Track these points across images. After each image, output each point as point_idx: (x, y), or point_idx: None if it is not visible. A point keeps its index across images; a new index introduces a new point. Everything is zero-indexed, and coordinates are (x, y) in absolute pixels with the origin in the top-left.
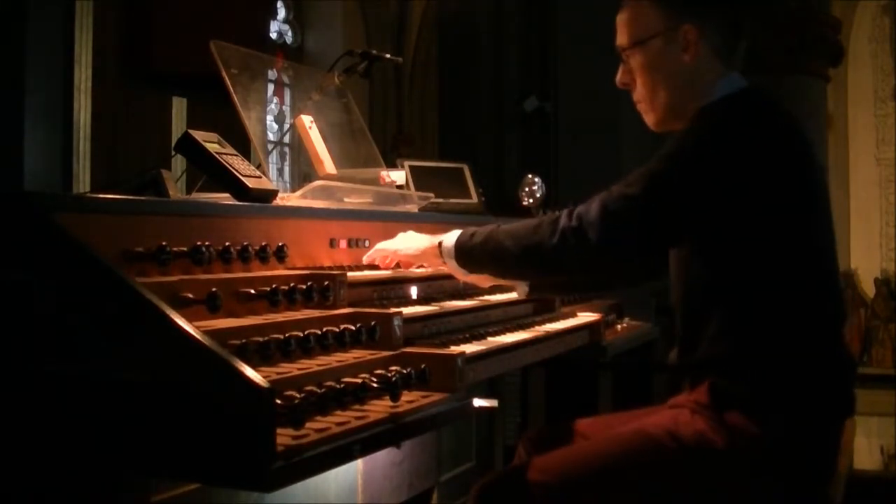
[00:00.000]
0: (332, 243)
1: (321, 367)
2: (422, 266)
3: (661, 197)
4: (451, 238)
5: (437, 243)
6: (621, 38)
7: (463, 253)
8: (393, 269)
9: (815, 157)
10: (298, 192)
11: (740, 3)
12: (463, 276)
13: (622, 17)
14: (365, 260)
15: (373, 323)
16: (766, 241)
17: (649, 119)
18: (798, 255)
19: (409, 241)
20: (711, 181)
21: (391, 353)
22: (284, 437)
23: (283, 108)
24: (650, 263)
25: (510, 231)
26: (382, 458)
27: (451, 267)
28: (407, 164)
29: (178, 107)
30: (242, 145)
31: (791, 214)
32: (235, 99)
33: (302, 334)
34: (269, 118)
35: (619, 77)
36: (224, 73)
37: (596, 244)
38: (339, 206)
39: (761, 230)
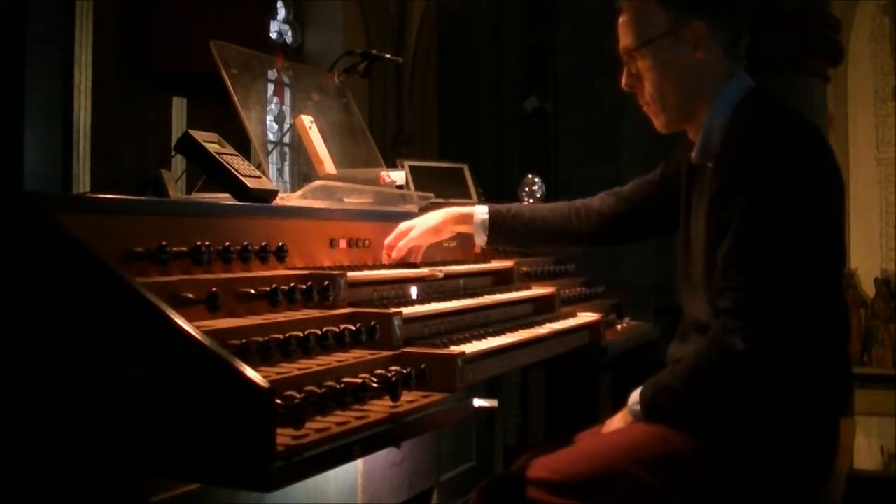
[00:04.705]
0: (332, 243)
1: (321, 367)
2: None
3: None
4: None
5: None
6: (626, 41)
7: None
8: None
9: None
10: (298, 192)
11: None
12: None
13: (624, 20)
14: (394, 256)
15: (373, 323)
16: (804, 248)
17: (659, 121)
18: (825, 258)
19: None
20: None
21: (391, 353)
22: (284, 437)
23: (283, 108)
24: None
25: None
26: (382, 458)
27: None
28: (407, 164)
29: (178, 107)
30: (242, 145)
31: (825, 222)
32: (235, 99)
33: (302, 334)
34: (269, 118)
35: (623, 81)
36: (224, 73)
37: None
38: (339, 206)
39: (802, 238)
